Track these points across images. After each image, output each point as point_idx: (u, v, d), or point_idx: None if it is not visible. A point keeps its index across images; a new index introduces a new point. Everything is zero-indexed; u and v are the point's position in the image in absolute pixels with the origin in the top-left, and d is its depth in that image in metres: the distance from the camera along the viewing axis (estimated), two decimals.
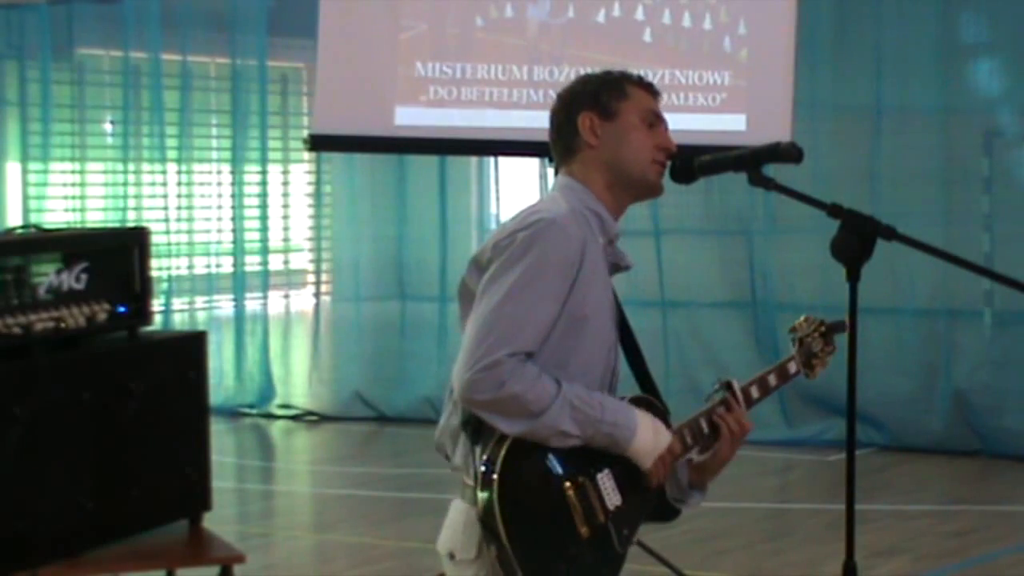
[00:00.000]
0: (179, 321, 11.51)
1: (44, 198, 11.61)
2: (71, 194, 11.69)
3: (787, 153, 3.33)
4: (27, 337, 4.32)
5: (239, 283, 11.40)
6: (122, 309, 4.66)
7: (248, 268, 11.45)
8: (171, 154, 11.50)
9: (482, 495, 3.10)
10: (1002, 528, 7.67)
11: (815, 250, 7.62)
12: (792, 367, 3.53)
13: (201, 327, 10.75)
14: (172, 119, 11.48)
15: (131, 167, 11.53)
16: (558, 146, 3.36)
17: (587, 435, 3.13)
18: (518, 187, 11.62)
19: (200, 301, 11.64)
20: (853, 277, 3.17)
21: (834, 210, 3.19)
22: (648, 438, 3.19)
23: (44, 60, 11.43)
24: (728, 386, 3.40)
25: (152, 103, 11.46)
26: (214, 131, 11.96)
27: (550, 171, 7.53)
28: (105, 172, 11.73)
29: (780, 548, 7.27)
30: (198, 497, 4.87)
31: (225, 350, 11.30)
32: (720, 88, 6.73)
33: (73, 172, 11.70)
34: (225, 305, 11.58)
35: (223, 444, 9.32)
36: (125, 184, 11.52)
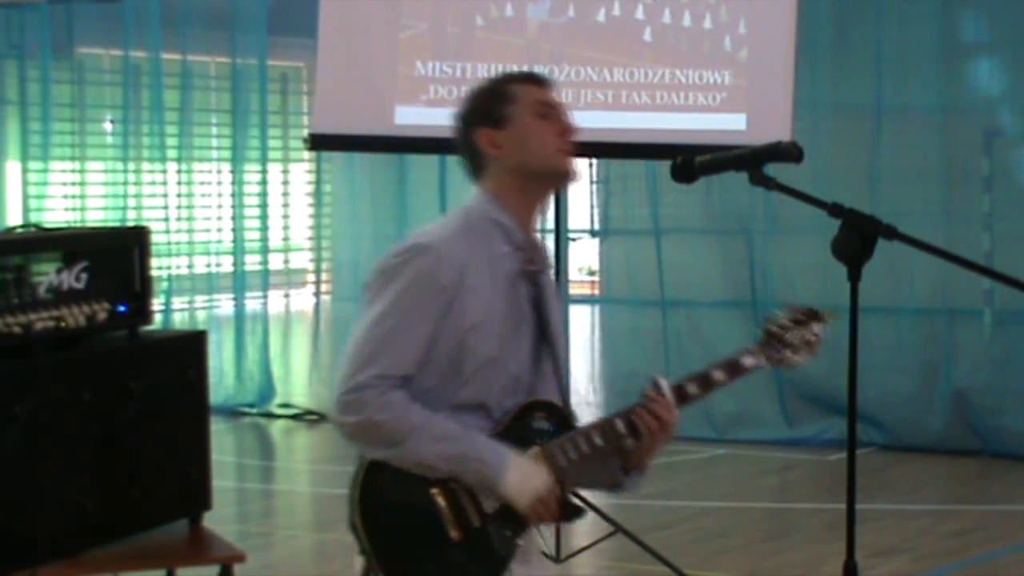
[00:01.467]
0: (179, 320, 11.51)
1: (44, 197, 11.61)
2: (71, 193, 11.69)
3: (787, 152, 3.33)
4: (27, 336, 4.31)
5: (239, 282, 11.40)
6: (122, 308, 4.66)
7: (248, 267, 11.45)
8: (171, 153, 11.50)
9: (349, 501, 3.18)
10: (1002, 528, 7.67)
11: (816, 250, 7.63)
12: (748, 361, 3.46)
13: (201, 326, 10.75)
14: (172, 118, 11.47)
15: (131, 166, 11.52)
16: (467, 166, 3.41)
17: (453, 470, 3.17)
18: None
19: (200, 300, 11.63)
20: (854, 276, 3.17)
21: (835, 209, 3.19)
22: (518, 480, 3.19)
23: (44, 59, 11.43)
24: (655, 384, 3.38)
25: (152, 102, 11.45)
26: (214, 130, 11.95)
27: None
28: (105, 171, 11.72)
29: (780, 548, 7.27)
30: (198, 496, 4.87)
31: (225, 349, 11.29)
32: (720, 87, 6.73)
33: (73, 171, 11.70)
34: (225, 304, 11.58)
35: (223, 443, 9.32)
36: (125, 183, 11.52)
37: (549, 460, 3.26)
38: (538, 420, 3.29)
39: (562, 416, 3.33)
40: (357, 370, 3.18)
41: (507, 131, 3.33)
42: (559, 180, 3.40)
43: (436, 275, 3.19)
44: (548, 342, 3.35)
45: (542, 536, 6.32)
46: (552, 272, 3.48)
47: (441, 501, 3.18)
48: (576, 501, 3.35)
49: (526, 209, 3.36)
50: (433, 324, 3.19)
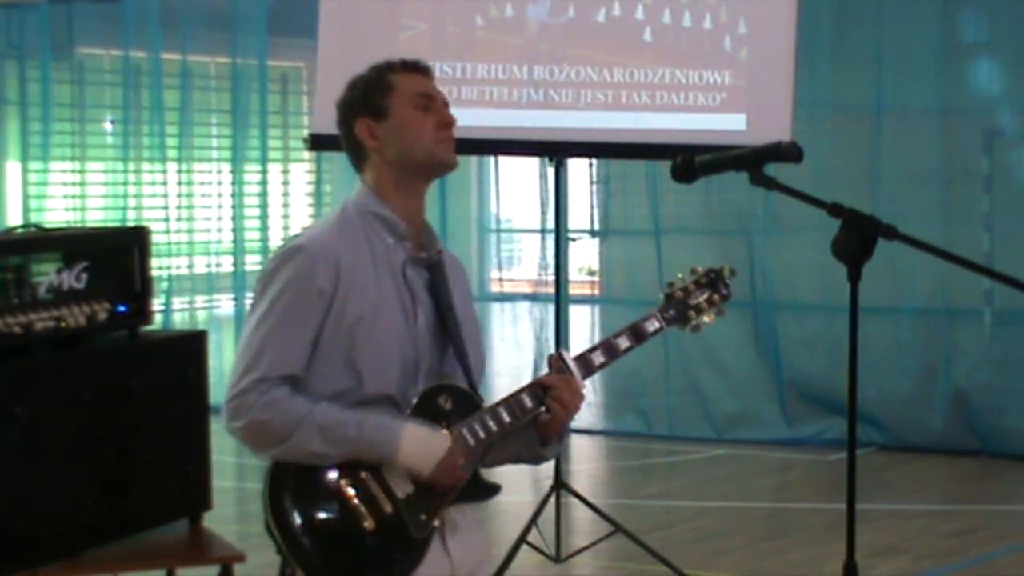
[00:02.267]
0: (179, 320, 11.51)
1: (44, 197, 11.60)
2: (71, 193, 11.69)
3: (787, 152, 3.33)
4: (27, 336, 4.31)
5: (239, 282, 11.40)
6: (122, 308, 4.66)
7: (248, 267, 11.45)
8: (171, 153, 11.50)
9: (262, 503, 3.21)
10: (1002, 527, 7.68)
11: (815, 250, 7.64)
12: (652, 325, 3.50)
13: (201, 326, 10.75)
14: (172, 118, 11.48)
15: (131, 166, 11.53)
16: (350, 157, 3.43)
17: (345, 453, 3.18)
18: (518, 186, 11.62)
19: (200, 300, 11.64)
20: (854, 276, 3.17)
21: (835, 209, 3.19)
22: (416, 449, 3.20)
23: (44, 59, 11.43)
24: (559, 356, 3.40)
25: (152, 102, 11.46)
26: (214, 130, 11.95)
27: (550, 170, 7.52)
28: (105, 171, 11.72)
29: (780, 547, 7.27)
30: (198, 496, 4.86)
31: (225, 349, 11.29)
32: (720, 87, 6.73)
33: (73, 171, 11.69)
34: (225, 304, 11.58)
35: (223, 443, 9.27)
36: (125, 183, 11.52)
37: (458, 441, 3.27)
38: (442, 404, 3.29)
39: (467, 398, 3.33)
40: (240, 376, 3.23)
41: (386, 123, 3.34)
42: (439, 169, 3.42)
43: (310, 277, 3.21)
44: (449, 326, 3.35)
45: (541, 534, 6.34)
46: (450, 255, 3.48)
47: (351, 492, 3.19)
48: (488, 480, 3.36)
49: (408, 199, 3.37)
50: (313, 326, 3.21)
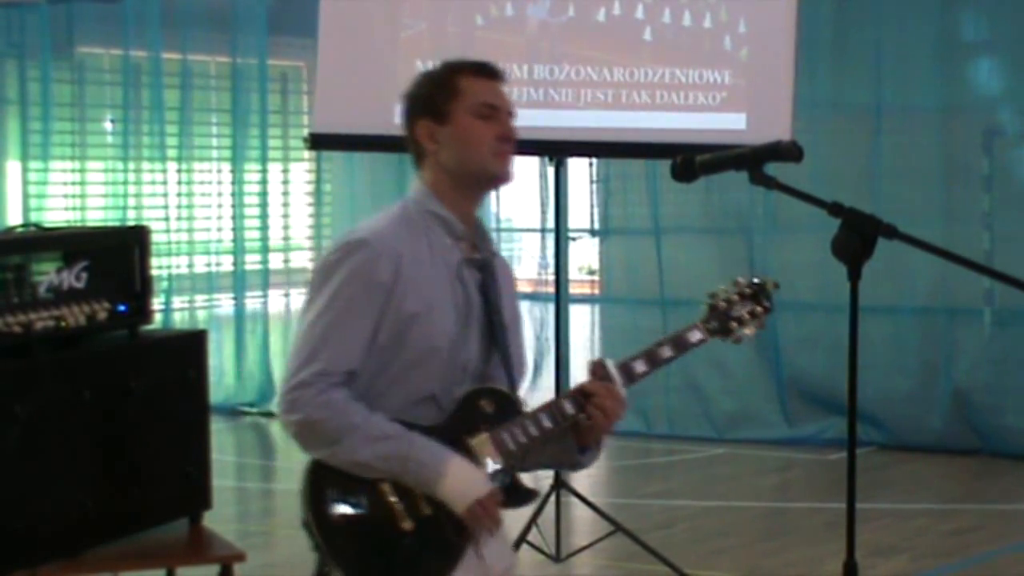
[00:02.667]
0: (179, 320, 11.51)
1: (44, 197, 11.61)
2: (71, 193, 11.69)
3: (787, 152, 3.33)
4: (27, 336, 4.31)
5: (239, 282, 11.40)
6: (122, 308, 4.66)
7: (248, 267, 11.45)
8: (171, 153, 11.50)
9: (300, 499, 3.19)
10: (1002, 527, 7.68)
11: (815, 249, 7.63)
12: (694, 335, 3.49)
13: (201, 326, 10.75)
14: (172, 118, 11.48)
15: (131, 166, 11.53)
16: (411, 152, 3.41)
17: (391, 470, 3.17)
18: (518, 186, 11.62)
19: (200, 300, 11.64)
20: (854, 276, 3.17)
21: (834, 209, 3.19)
22: (458, 484, 3.19)
23: (44, 59, 11.43)
24: (601, 364, 3.39)
25: (152, 102, 11.46)
26: (214, 130, 11.95)
27: (550, 170, 7.53)
28: (105, 171, 11.73)
29: (780, 547, 7.27)
30: (198, 496, 4.87)
31: (225, 349, 11.30)
32: (720, 87, 6.73)
33: (73, 171, 11.69)
34: (225, 304, 11.58)
35: (223, 442, 9.32)
36: (125, 183, 11.52)
37: (498, 445, 3.26)
38: (484, 407, 3.29)
39: (509, 402, 3.32)
40: (298, 368, 3.19)
41: (446, 128, 3.32)
42: (492, 183, 3.40)
43: (372, 270, 3.20)
44: (496, 329, 3.35)
45: (541, 534, 6.34)
46: (500, 257, 3.46)
47: (390, 492, 3.18)
48: (528, 484, 3.35)
49: (463, 201, 3.35)
50: (373, 319, 3.19)
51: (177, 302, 11.54)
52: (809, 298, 9.52)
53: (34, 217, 11.12)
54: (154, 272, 5.00)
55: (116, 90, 11.65)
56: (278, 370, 11.36)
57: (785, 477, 9.15)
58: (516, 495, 3.31)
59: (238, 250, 11.47)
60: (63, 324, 4.43)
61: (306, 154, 11.74)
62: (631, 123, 6.65)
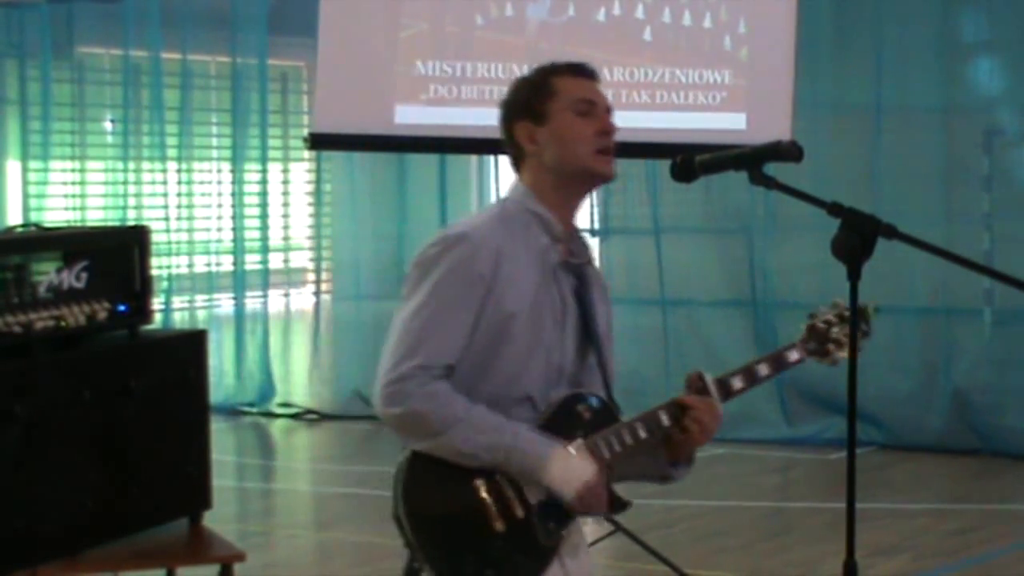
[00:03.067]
0: (179, 320, 11.51)
1: (44, 197, 11.61)
2: (71, 192, 11.70)
3: (787, 152, 3.33)
4: (27, 336, 4.31)
5: (239, 281, 11.40)
6: (122, 308, 4.66)
7: (248, 267, 11.45)
8: (171, 152, 11.50)
9: (393, 494, 3.18)
10: (1002, 527, 7.68)
11: (815, 249, 7.62)
12: (792, 355, 3.50)
13: (201, 326, 10.75)
14: (172, 118, 11.48)
15: (131, 166, 11.53)
16: (509, 155, 3.40)
17: (495, 460, 3.16)
18: None
19: (200, 300, 11.64)
20: (853, 276, 3.17)
21: (834, 209, 3.19)
22: (563, 471, 3.18)
23: (44, 59, 11.43)
24: (699, 377, 3.39)
25: (152, 102, 11.46)
26: (214, 130, 11.96)
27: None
28: (105, 171, 11.73)
29: (780, 547, 7.27)
30: (198, 496, 4.87)
31: (225, 348, 11.29)
32: (720, 87, 6.73)
33: (73, 171, 11.70)
34: (225, 304, 11.58)
35: (223, 443, 9.31)
36: (125, 183, 11.52)
37: (593, 453, 3.25)
38: (582, 413, 3.27)
39: (605, 409, 3.31)
40: (399, 361, 3.16)
41: (545, 127, 3.30)
42: (594, 182, 3.38)
43: (472, 264, 3.18)
44: (592, 334, 3.34)
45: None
46: (593, 266, 3.44)
47: (484, 492, 3.16)
48: (621, 494, 3.34)
49: (564, 202, 3.34)
50: (473, 313, 3.17)
51: (177, 302, 11.54)
52: (809, 298, 9.45)
53: (34, 217, 11.12)
54: (154, 272, 5.00)
55: (116, 90, 11.65)
56: (278, 370, 11.37)
57: (785, 477, 9.15)
58: (611, 504, 3.29)
59: (238, 250, 11.47)
60: (63, 324, 4.43)
61: (306, 154, 11.75)
62: (631, 123, 6.61)
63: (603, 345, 3.36)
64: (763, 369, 3.46)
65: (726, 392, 3.40)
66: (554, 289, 3.30)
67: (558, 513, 3.23)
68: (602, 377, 3.36)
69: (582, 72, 3.37)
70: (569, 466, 3.19)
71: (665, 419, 3.32)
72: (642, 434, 3.30)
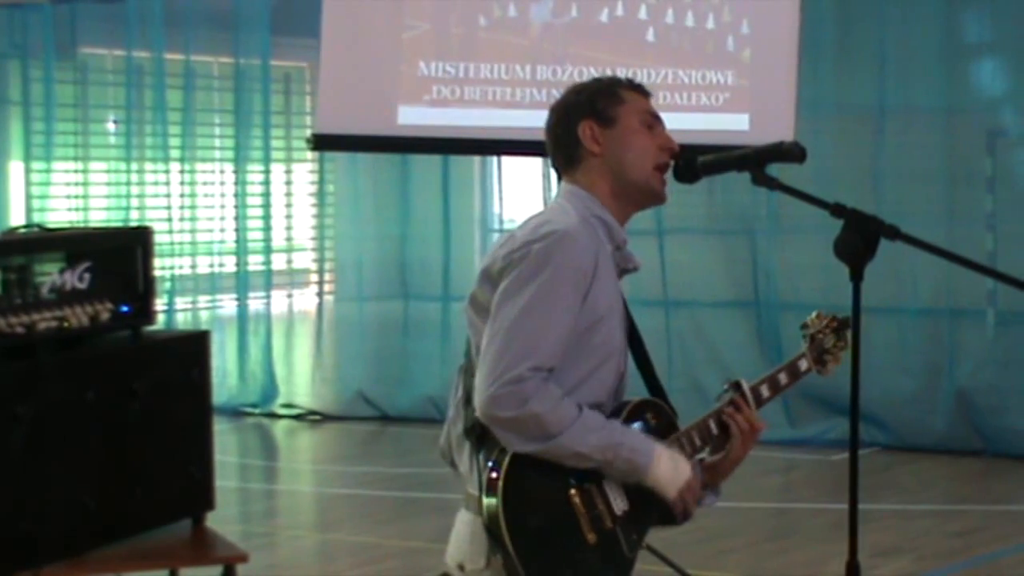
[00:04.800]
0: (182, 320, 11.51)
1: (47, 197, 11.61)
2: (74, 193, 11.70)
3: (790, 152, 3.33)
4: (30, 336, 4.32)
5: (242, 282, 11.40)
6: (125, 308, 4.66)
7: (251, 267, 11.45)
8: (174, 153, 11.50)
9: (487, 501, 3.10)
10: (1005, 527, 7.67)
11: (818, 250, 7.62)
12: (803, 364, 3.51)
13: (204, 326, 10.75)
14: (175, 118, 11.48)
15: (134, 166, 11.53)
16: (560, 157, 3.35)
17: (605, 459, 3.13)
18: (521, 187, 11.62)
19: (203, 300, 11.64)
20: (857, 277, 3.17)
21: (837, 210, 3.19)
22: (667, 467, 3.19)
23: (47, 59, 11.44)
24: (737, 386, 3.40)
25: (155, 102, 11.46)
26: (217, 130, 11.96)
27: (553, 171, 7.52)
28: (108, 171, 11.73)
29: (783, 547, 7.27)
30: (201, 496, 4.87)
31: (228, 350, 11.30)
32: (723, 88, 6.73)
33: (76, 171, 11.70)
34: (228, 304, 11.58)
35: (226, 443, 9.32)
36: (128, 183, 11.52)
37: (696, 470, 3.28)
38: (650, 420, 3.28)
39: (668, 417, 3.33)
40: (513, 363, 3.06)
41: (612, 131, 3.29)
42: (649, 199, 3.34)
43: (580, 261, 3.14)
44: (636, 341, 3.35)
45: None
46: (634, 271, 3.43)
47: (579, 502, 3.14)
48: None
49: (620, 212, 3.32)
50: (574, 315, 3.13)
51: (180, 303, 11.55)
52: (812, 299, 9.48)
53: (37, 218, 11.13)
54: (157, 273, 5.01)
55: (119, 91, 11.65)
56: (281, 371, 11.37)
57: (788, 478, 9.15)
58: (671, 515, 3.29)
59: (241, 251, 11.47)
60: (66, 325, 4.43)
61: (309, 155, 11.74)
62: None
63: (647, 350, 3.37)
64: (783, 377, 3.48)
65: (758, 401, 3.42)
66: (620, 295, 3.29)
67: (638, 522, 3.23)
68: (653, 383, 3.37)
69: (643, 90, 3.39)
70: (673, 466, 3.19)
71: (714, 427, 3.36)
72: (697, 442, 3.33)
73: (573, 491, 3.13)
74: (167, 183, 11.48)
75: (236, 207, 11.51)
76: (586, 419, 3.11)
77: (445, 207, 11.04)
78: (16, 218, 11.58)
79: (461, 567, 3.20)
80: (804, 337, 3.55)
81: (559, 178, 3.40)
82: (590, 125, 3.29)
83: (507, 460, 3.10)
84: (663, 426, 3.29)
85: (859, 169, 9.67)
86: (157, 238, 5.03)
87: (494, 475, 3.10)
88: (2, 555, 4.22)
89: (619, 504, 3.19)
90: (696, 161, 3.37)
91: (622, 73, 6.90)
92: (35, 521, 4.26)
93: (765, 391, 3.44)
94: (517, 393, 3.05)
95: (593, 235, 3.21)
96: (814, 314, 3.59)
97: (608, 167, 3.29)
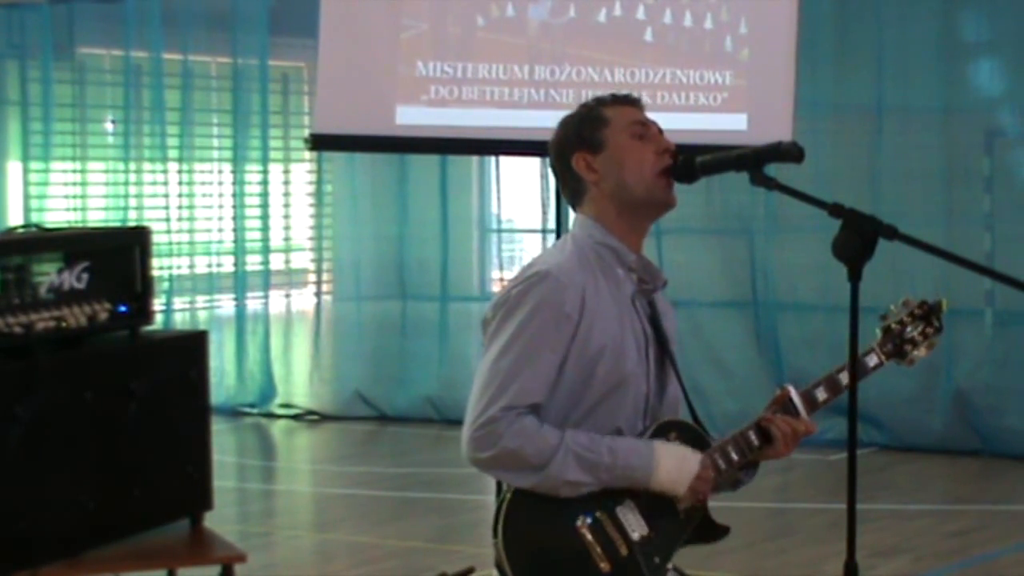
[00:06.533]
0: (180, 320, 11.52)
1: (45, 197, 11.62)
2: (72, 193, 11.70)
3: (788, 152, 3.33)
4: (28, 336, 4.31)
5: (240, 282, 11.41)
6: (123, 308, 4.66)
7: (249, 267, 11.46)
8: (172, 153, 11.51)
9: (493, 542, 3.12)
10: (1003, 528, 7.68)
11: (816, 250, 7.63)
12: (871, 360, 3.49)
13: (202, 326, 10.76)
14: (173, 118, 11.48)
15: (132, 166, 11.53)
16: (567, 192, 3.39)
17: (601, 480, 3.14)
18: (519, 187, 11.62)
19: (201, 300, 11.64)
20: (854, 276, 3.17)
21: (835, 209, 3.19)
22: (671, 468, 3.20)
23: (45, 59, 11.44)
24: (784, 393, 3.41)
25: (153, 102, 11.46)
26: (215, 130, 11.96)
27: (551, 171, 7.52)
28: (106, 171, 11.73)
29: (781, 547, 7.27)
30: (199, 496, 4.87)
31: (226, 349, 11.30)
32: (721, 88, 6.73)
33: (74, 171, 11.70)
34: (226, 304, 11.59)
35: (224, 443, 9.32)
36: (126, 183, 11.53)
37: (707, 456, 3.29)
38: (672, 440, 3.28)
39: (696, 435, 3.33)
40: (487, 405, 3.11)
41: (604, 154, 3.30)
42: (657, 207, 3.36)
43: (559, 301, 3.16)
44: (669, 359, 3.35)
45: None
46: (659, 291, 3.44)
47: (587, 534, 3.14)
48: (719, 520, 3.43)
49: (631, 231, 3.33)
50: (560, 353, 3.15)
51: (178, 303, 11.55)
52: (810, 299, 9.52)
53: (35, 218, 11.13)
54: (155, 273, 5.01)
55: (117, 91, 11.65)
56: (279, 371, 11.38)
57: (786, 478, 9.14)
58: (709, 531, 3.35)
59: (239, 251, 11.48)
60: (64, 325, 4.43)
61: (307, 155, 11.75)
62: None
63: (678, 369, 3.37)
64: (844, 377, 3.44)
65: (812, 405, 3.42)
66: (635, 320, 3.29)
67: (661, 544, 3.26)
68: (687, 403, 3.39)
69: (628, 100, 3.40)
70: (677, 465, 3.21)
71: (754, 438, 3.38)
72: (735, 457, 3.35)
73: (579, 521, 3.14)
74: (165, 183, 11.48)
75: (234, 207, 11.52)
76: (569, 445, 3.12)
77: (443, 207, 11.04)
78: (14, 218, 11.58)
79: None
80: (880, 330, 3.52)
81: (572, 208, 3.43)
82: (582, 156, 3.32)
83: (507, 499, 3.15)
84: (688, 444, 3.30)
85: (857, 169, 9.67)
86: (155, 238, 5.03)
87: (497, 515, 3.14)
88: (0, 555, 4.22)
89: (637, 529, 3.21)
90: (694, 161, 3.37)
91: (620, 73, 6.92)
92: (33, 521, 4.25)
93: (821, 393, 3.44)
94: (491, 434, 3.10)
95: (586, 270, 3.23)
96: (901, 302, 3.57)
97: (609, 190, 3.30)
